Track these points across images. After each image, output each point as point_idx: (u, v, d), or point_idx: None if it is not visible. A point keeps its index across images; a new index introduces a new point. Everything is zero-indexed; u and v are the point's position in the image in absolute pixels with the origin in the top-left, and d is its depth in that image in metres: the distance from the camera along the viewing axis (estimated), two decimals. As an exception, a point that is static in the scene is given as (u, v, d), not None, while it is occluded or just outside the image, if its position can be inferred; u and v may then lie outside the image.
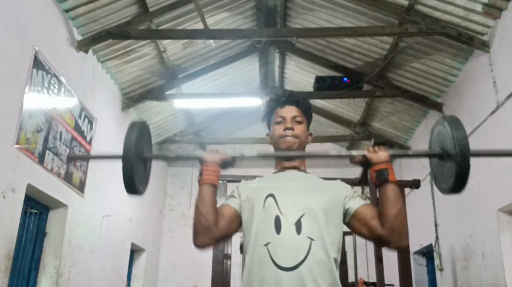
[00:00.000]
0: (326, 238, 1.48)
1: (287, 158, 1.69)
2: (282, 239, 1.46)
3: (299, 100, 1.72)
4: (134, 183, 1.63)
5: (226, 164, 1.66)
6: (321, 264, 1.44)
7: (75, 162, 4.75)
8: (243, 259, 1.58)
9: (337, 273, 1.48)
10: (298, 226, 1.47)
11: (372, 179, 1.59)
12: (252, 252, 1.50)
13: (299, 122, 1.69)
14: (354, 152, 1.66)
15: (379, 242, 1.55)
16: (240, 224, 1.61)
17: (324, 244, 1.47)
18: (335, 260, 1.49)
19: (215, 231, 1.55)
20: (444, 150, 1.59)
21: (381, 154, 1.57)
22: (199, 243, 1.56)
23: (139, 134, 1.68)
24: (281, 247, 1.45)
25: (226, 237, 1.60)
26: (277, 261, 1.43)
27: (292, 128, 1.66)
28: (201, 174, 1.62)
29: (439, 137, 1.64)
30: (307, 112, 1.74)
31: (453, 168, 1.53)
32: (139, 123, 1.72)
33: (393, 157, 1.58)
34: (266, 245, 1.47)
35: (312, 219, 1.49)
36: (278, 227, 1.48)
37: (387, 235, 1.49)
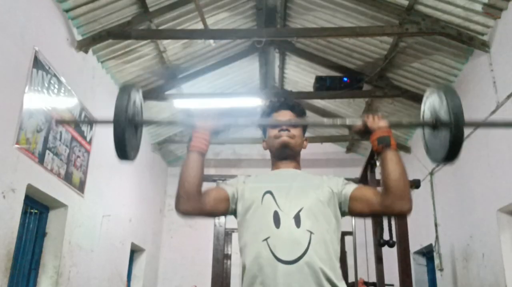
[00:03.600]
0: (325, 231, 1.49)
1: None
2: (282, 233, 1.46)
3: (294, 105, 1.77)
4: (125, 147, 1.57)
5: (217, 131, 1.66)
6: (322, 257, 1.44)
7: (75, 162, 4.75)
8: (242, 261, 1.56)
9: (337, 265, 1.49)
10: (297, 219, 1.48)
11: (374, 146, 1.61)
12: (251, 248, 1.50)
13: (294, 126, 1.72)
14: (349, 121, 1.69)
15: (383, 211, 1.52)
16: (228, 208, 1.60)
17: (324, 237, 1.48)
18: (335, 252, 1.50)
19: (198, 201, 1.53)
20: (438, 119, 1.61)
21: (381, 121, 1.61)
22: (180, 208, 1.53)
23: (130, 98, 1.60)
24: (281, 241, 1.45)
25: (210, 213, 1.61)
26: (278, 255, 1.43)
27: (287, 129, 1.68)
28: (190, 139, 1.61)
29: (432, 107, 1.66)
30: (302, 117, 1.78)
31: (447, 136, 1.54)
32: (130, 87, 1.64)
33: (390, 126, 1.64)
34: (265, 239, 1.46)
35: (310, 213, 1.50)
36: (277, 221, 1.48)
37: (390, 200, 1.48)
